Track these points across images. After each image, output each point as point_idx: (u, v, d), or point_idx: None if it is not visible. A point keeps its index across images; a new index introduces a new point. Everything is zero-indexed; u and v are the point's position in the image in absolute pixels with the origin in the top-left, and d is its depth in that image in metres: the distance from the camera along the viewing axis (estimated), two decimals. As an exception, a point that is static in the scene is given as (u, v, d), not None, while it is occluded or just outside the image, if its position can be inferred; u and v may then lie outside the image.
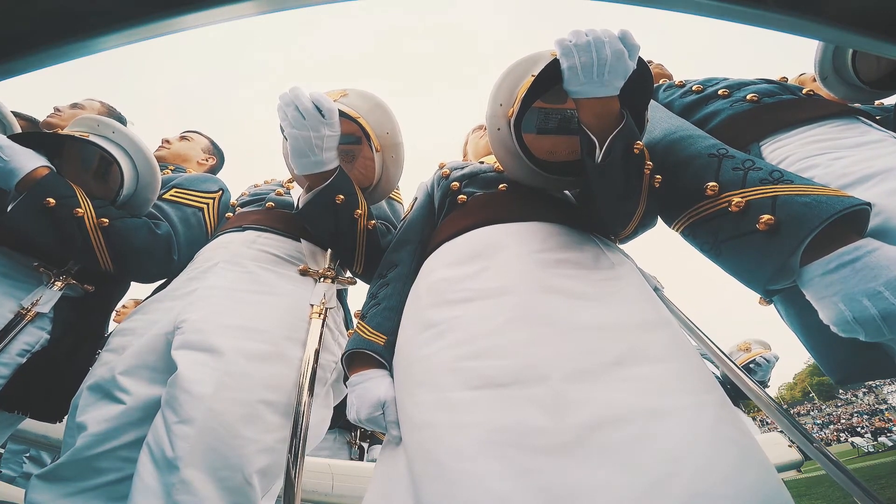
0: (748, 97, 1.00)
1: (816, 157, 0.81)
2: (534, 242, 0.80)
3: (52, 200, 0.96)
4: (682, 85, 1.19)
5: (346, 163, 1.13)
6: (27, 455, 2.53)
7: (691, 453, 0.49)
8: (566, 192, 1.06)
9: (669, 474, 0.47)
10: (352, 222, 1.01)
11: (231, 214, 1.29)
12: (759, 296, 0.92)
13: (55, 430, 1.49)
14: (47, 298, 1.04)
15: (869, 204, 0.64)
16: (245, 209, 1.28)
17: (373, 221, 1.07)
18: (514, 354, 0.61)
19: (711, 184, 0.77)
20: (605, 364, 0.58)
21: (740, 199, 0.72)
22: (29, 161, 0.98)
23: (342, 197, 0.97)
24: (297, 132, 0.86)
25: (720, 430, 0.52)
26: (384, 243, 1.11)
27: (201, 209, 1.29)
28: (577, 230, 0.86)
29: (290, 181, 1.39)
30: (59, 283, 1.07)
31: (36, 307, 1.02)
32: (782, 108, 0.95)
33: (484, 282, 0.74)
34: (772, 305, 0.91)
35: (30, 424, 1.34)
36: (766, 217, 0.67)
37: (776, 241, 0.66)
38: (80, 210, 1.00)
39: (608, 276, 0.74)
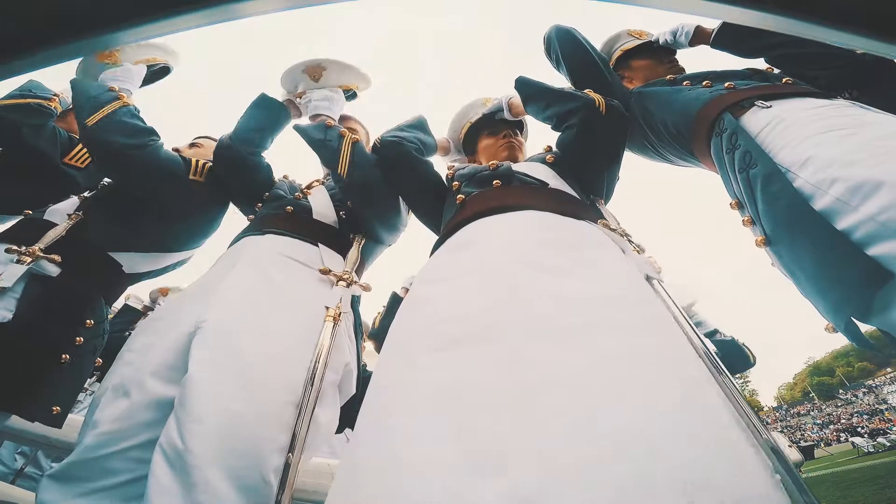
0: (726, 85, 1.08)
1: (815, 122, 0.84)
2: (520, 227, 0.83)
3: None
4: (673, 80, 1.26)
5: None
6: (18, 451, 2.52)
7: (645, 432, 0.44)
8: (563, 181, 1.08)
9: (616, 452, 0.43)
10: (339, 137, 1.33)
11: (252, 217, 1.36)
12: (758, 237, 0.89)
13: (54, 430, 1.49)
14: (11, 273, 1.03)
15: None
16: (265, 212, 1.33)
17: (357, 137, 1.39)
18: (475, 317, 0.61)
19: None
20: (566, 328, 0.56)
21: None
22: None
23: (332, 121, 1.42)
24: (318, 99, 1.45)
25: (685, 412, 0.47)
26: (370, 158, 1.34)
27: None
28: (569, 216, 0.88)
29: (308, 187, 1.46)
30: (26, 259, 1.07)
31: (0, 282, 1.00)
32: (757, 88, 1.03)
33: (465, 263, 0.77)
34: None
35: (29, 424, 1.34)
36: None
37: None
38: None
39: (588, 256, 0.74)
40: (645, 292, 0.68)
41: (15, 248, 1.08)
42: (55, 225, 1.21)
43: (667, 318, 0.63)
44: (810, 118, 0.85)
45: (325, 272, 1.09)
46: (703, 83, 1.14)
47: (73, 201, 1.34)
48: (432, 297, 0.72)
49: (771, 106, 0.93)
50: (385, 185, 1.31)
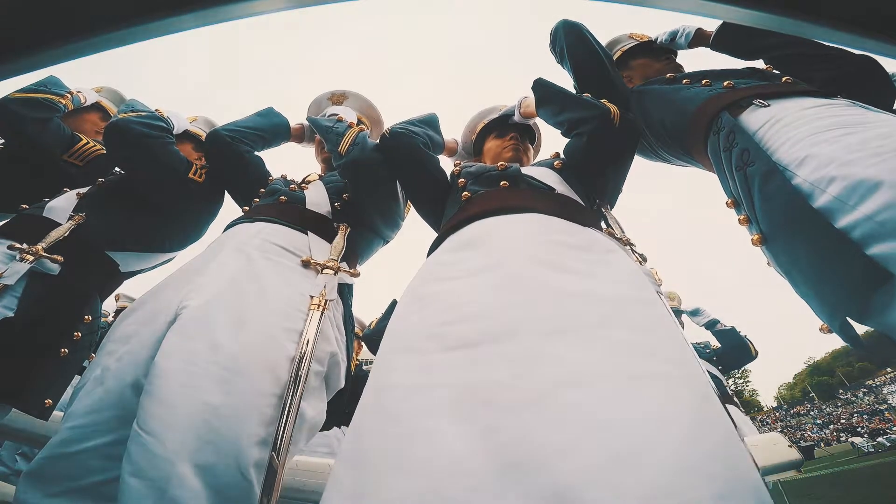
0: (724, 84, 1.07)
1: (812, 121, 0.83)
2: (528, 228, 0.82)
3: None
4: (672, 79, 1.24)
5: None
6: (19, 452, 2.51)
7: (674, 422, 0.44)
8: (570, 188, 1.08)
9: (648, 441, 0.42)
10: (347, 126, 1.41)
11: (247, 207, 1.36)
12: (755, 235, 0.89)
13: (55, 430, 1.49)
14: (14, 270, 1.03)
15: None
16: (259, 202, 1.34)
17: (364, 129, 1.49)
18: (491, 316, 0.60)
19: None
20: (583, 325, 0.56)
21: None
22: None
23: (343, 119, 1.49)
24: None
25: (706, 406, 0.48)
26: (372, 144, 1.35)
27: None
28: (575, 223, 0.87)
29: (305, 182, 1.46)
30: (28, 257, 1.07)
31: (1, 279, 1.01)
32: (756, 87, 1.02)
33: (472, 262, 0.75)
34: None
35: (29, 423, 1.34)
36: None
37: None
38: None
39: (599, 259, 0.74)
40: (654, 294, 0.69)
41: (18, 245, 1.08)
42: (55, 223, 1.20)
43: (671, 319, 0.65)
44: (809, 116, 0.85)
45: (307, 262, 1.08)
46: (703, 82, 1.13)
47: (70, 198, 1.33)
48: (442, 295, 0.70)
49: (769, 105, 0.93)
50: (383, 170, 1.31)
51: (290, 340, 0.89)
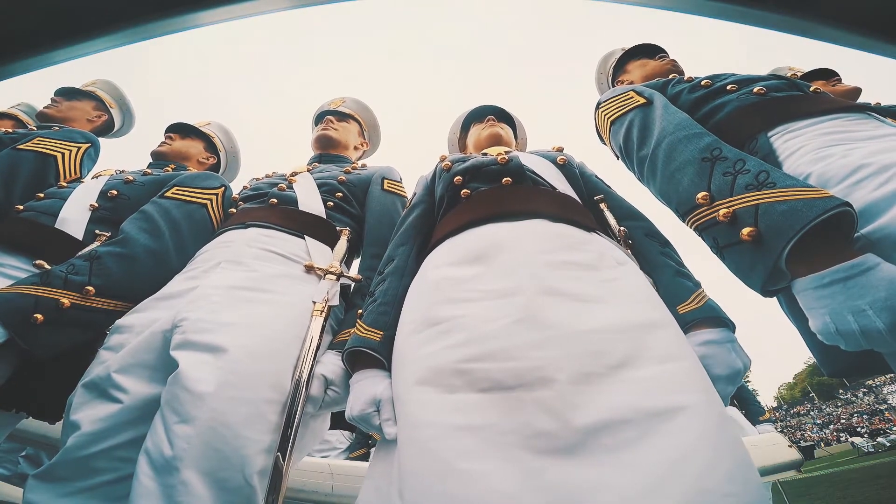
0: (755, 90, 1.00)
1: (831, 147, 0.80)
2: (537, 243, 0.81)
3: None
4: (690, 80, 1.18)
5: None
6: (23, 455, 2.50)
7: (697, 451, 0.49)
8: (569, 186, 1.07)
9: (674, 472, 0.47)
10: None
11: (234, 210, 1.29)
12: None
13: (55, 430, 1.50)
14: None
15: (849, 204, 0.63)
16: (247, 205, 1.27)
17: None
18: (521, 357, 0.62)
19: (702, 193, 0.78)
20: (610, 366, 0.59)
21: (727, 210, 0.73)
22: None
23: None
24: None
25: (725, 429, 0.53)
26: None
27: (204, 205, 1.28)
28: (581, 227, 0.87)
29: (292, 175, 1.39)
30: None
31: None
32: (792, 101, 0.96)
33: (488, 283, 0.75)
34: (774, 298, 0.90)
35: (29, 423, 1.34)
36: (747, 229, 0.69)
37: (760, 252, 0.68)
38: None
39: (611, 277, 0.75)
40: (663, 310, 0.71)
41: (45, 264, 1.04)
42: (73, 239, 1.15)
43: (683, 336, 0.68)
44: (824, 130, 0.85)
45: (310, 268, 1.06)
46: (728, 87, 1.06)
47: (80, 207, 1.24)
48: (460, 322, 0.70)
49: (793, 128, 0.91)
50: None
51: (294, 348, 0.89)
